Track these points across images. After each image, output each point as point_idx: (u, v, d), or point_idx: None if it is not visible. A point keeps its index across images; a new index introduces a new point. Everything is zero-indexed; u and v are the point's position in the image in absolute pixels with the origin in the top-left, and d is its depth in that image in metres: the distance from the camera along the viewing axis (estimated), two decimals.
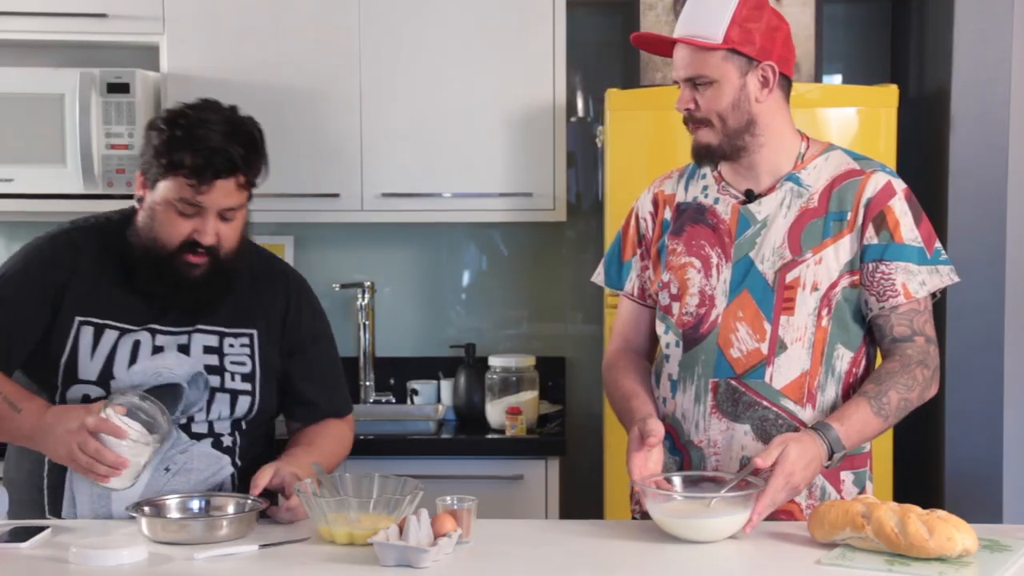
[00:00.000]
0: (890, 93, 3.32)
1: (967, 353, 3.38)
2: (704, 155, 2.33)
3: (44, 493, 2.32)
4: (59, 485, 2.30)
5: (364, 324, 3.85)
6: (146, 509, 2.18)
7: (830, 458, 2.16)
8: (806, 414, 2.27)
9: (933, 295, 2.31)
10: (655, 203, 2.44)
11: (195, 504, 2.24)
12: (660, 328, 2.40)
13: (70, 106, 3.47)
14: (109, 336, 2.31)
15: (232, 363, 2.37)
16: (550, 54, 3.59)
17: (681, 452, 2.35)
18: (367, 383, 3.84)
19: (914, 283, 2.26)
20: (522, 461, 3.41)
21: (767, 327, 2.27)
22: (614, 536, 2.16)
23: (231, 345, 2.38)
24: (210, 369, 2.35)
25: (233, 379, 2.36)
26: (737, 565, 2.00)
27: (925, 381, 2.25)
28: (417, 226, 3.88)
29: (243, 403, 2.37)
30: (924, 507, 2.03)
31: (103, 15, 3.55)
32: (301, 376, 2.47)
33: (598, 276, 2.54)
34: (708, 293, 2.32)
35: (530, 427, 3.56)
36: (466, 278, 4.03)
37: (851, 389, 2.30)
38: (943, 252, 2.31)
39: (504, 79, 3.59)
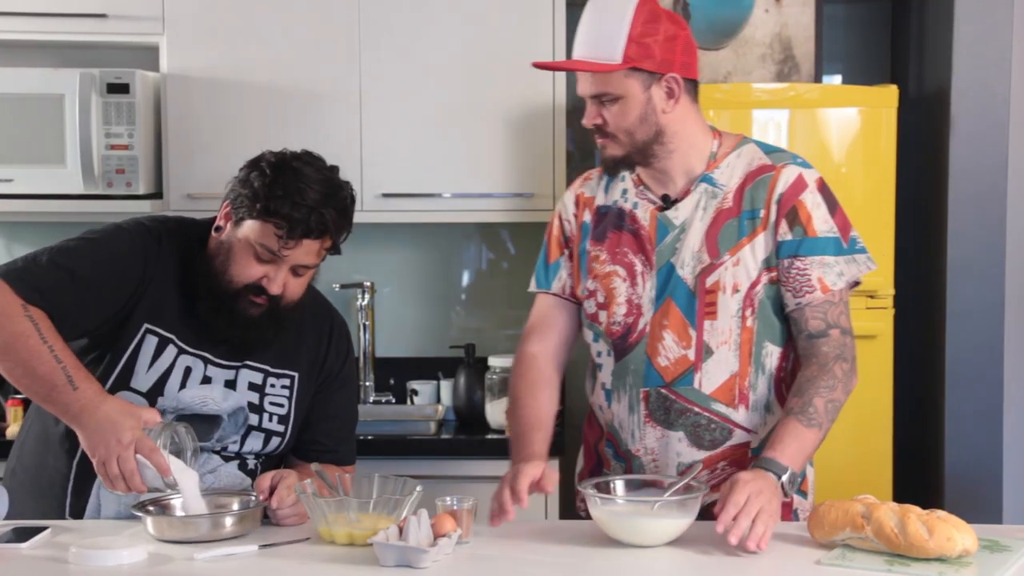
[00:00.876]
0: (890, 93, 3.32)
1: (967, 353, 3.38)
2: (613, 167, 2.34)
3: (68, 492, 2.31)
4: (85, 488, 2.30)
5: (364, 324, 3.85)
6: (150, 508, 2.18)
7: (781, 481, 2.11)
8: (739, 415, 2.29)
9: (855, 284, 2.31)
10: (577, 204, 2.44)
11: None
12: (589, 335, 2.40)
13: (70, 106, 3.46)
14: (169, 353, 2.31)
15: (271, 404, 2.38)
16: (550, 54, 3.59)
17: (624, 460, 2.37)
18: (367, 383, 3.84)
19: (831, 275, 2.25)
20: None
21: (692, 333, 2.28)
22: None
23: (272, 385, 2.39)
24: (251, 407, 2.36)
25: (271, 420, 2.38)
26: (737, 565, 2.00)
27: (845, 375, 2.24)
28: (417, 226, 3.88)
29: (274, 442, 2.40)
30: (924, 507, 2.03)
31: (103, 15, 3.55)
32: (320, 416, 2.47)
33: (532, 286, 2.51)
34: (635, 302, 2.32)
35: None
36: (466, 278, 4.03)
37: (782, 383, 2.32)
38: (859, 241, 2.30)
39: (504, 79, 3.59)
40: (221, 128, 3.60)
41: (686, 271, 2.28)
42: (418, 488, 2.16)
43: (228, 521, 2.14)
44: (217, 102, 3.58)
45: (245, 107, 3.59)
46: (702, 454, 2.30)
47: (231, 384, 2.35)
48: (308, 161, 2.30)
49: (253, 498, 2.22)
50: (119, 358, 2.29)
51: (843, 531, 2.04)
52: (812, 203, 2.27)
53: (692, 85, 2.31)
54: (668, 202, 2.33)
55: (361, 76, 3.59)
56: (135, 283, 2.29)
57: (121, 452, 2.08)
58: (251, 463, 2.39)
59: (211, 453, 2.33)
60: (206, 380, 2.33)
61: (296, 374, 2.42)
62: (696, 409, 2.29)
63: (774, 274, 2.27)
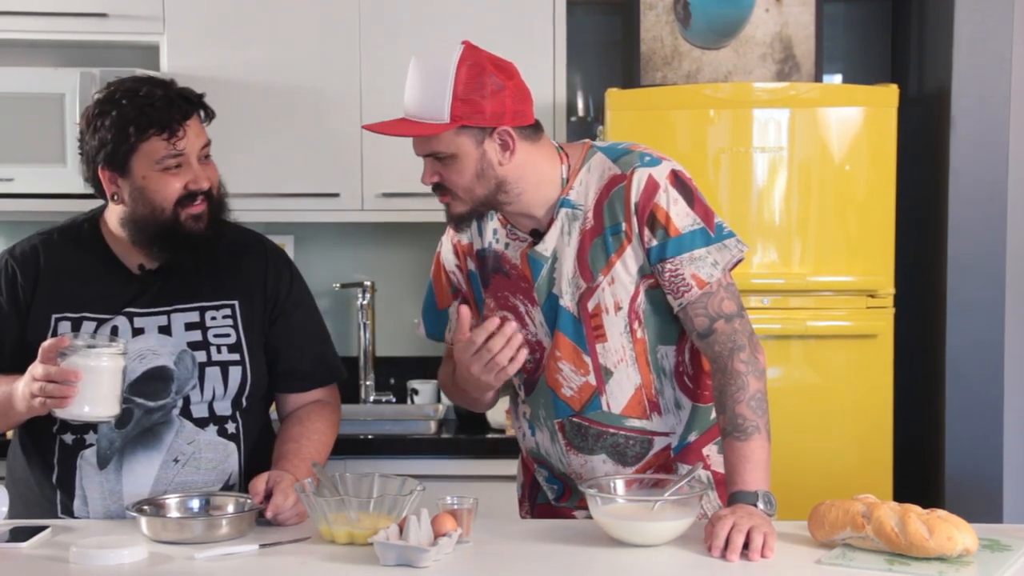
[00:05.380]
0: (890, 93, 3.32)
1: (967, 353, 3.38)
2: (459, 222, 2.27)
3: (57, 491, 2.32)
4: (70, 481, 2.31)
5: (364, 324, 3.85)
6: (146, 508, 2.18)
7: (757, 507, 2.09)
8: (654, 423, 2.28)
9: (737, 263, 2.24)
10: (457, 255, 2.40)
11: (195, 503, 2.24)
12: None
13: (70, 106, 3.47)
14: (87, 327, 2.32)
15: (216, 336, 2.37)
16: (550, 54, 3.59)
17: (560, 481, 2.38)
18: (367, 383, 3.84)
19: (705, 267, 2.20)
20: None
21: (587, 359, 2.26)
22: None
23: (213, 318, 2.38)
24: (194, 345, 2.35)
25: (220, 351, 2.36)
26: (737, 565, 2.00)
27: (748, 363, 2.18)
28: (417, 226, 3.88)
29: (235, 375, 2.37)
30: (924, 506, 2.03)
31: (103, 15, 3.55)
32: (287, 343, 2.45)
33: (419, 329, 2.50)
34: (533, 340, 2.29)
35: None
36: None
37: (684, 376, 2.29)
38: (726, 226, 2.24)
39: None
40: (221, 128, 3.58)
41: (567, 299, 2.25)
42: (418, 487, 2.16)
43: (222, 523, 2.13)
44: (217, 102, 3.53)
45: (245, 107, 3.59)
46: (628, 469, 2.30)
47: (165, 329, 2.34)
48: (120, 82, 2.34)
49: (248, 500, 2.21)
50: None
51: (843, 530, 2.04)
52: (667, 201, 2.20)
53: (530, 129, 2.22)
54: (537, 236, 2.28)
55: (361, 76, 3.60)
56: (21, 294, 2.34)
57: (32, 374, 2.13)
58: (230, 427, 2.36)
59: (181, 419, 2.32)
60: (138, 332, 2.33)
61: (235, 302, 2.41)
62: (612, 430, 2.28)
63: (652, 280, 2.23)
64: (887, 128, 3.29)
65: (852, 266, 3.30)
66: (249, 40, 3.59)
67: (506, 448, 3.48)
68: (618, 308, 2.23)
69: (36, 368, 2.13)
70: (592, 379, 2.26)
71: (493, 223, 2.33)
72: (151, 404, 2.31)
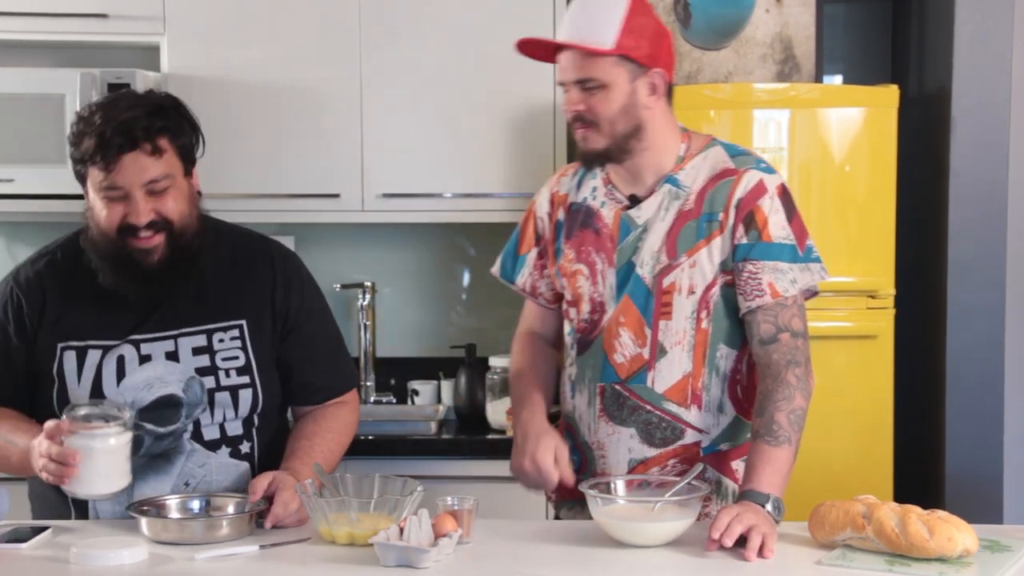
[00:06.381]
0: (890, 93, 3.32)
1: (967, 353, 3.38)
2: (592, 159, 2.32)
3: (72, 512, 2.32)
4: (83, 504, 2.30)
5: (364, 324, 3.85)
6: (146, 509, 2.18)
7: (766, 510, 2.10)
8: (691, 415, 2.30)
9: (812, 294, 2.31)
10: (551, 203, 2.45)
11: (195, 504, 2.24)
12: (565, 328, 2.44)
13: (70, 106, 3.46)
14: (93, 356, 2.29)
15: (224, 359, 2.33)
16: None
17: (579, 453, 2.39)
18: (367, 383, 3.84)
19: (783, 281, 2.24)
20: None
21: (648, 332, 2.29)
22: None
23: (220, 340, 2.33)
24: (202, 371, 2.31)
25: (228, 375, 2.32)
26: (737, 565, 2.00)
27: (800, 380, 2.22)
28: (417, 226, 3.88)
29: (245, 397, 2.33)
30: (924, 507, 2.03)
31: (103, 15, 3.55)
32: (299, 357, 2.41)
33: (495, 268, 2.57)
34: (598, 300, 2.34)
35: None
36: (466, 278, 4.03)
37: (737, 385, 2.32)
38: (815, 250, 2.30)
39: (504, 79, 3.58)
40: (221, 128, 3.59)
41: (645, 270, 2.29)
42: (419, 488, 2.16)
43: (223, 524, 2.13)
44: (217, 102, 3.58)
45: (245, 107, 3.59)
46: (652, 451, 2.31)
47: (172, 356, 2.30)
48: (109, 97, 2.28)
49: (247, 502, 2.20)
50: (52, 385, 2.30)
51: (844, 531, 2.04)
52: (770, 208, 2.26)
53: (669, 91, 2.32)
54: (635, 201, 2.33)
55: (361, 76, 3.59)
56: (28, 324, 2.31)
57: (39, 449, 2.13)
58: (244, 447, 2.34)
59: (192, 442, 2.30)
60: (145, 360, 2.29)
61: (243, 321, 2.35)
62: (648, 407, 2.30)
63: (730, 277, 2.27)
64: (887, 129, 3.29)
65: (852, 267, 3.30)
66: (249, 40, 3.58)
67: (506, 449, 3.46)
68: (691, 292, 2.27)
69: (42, 444, 2.13)
70: (646, 352, 2.29)
71: (595, 181, 2.39)
72: (161, 430, 2.29)
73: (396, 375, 3.91)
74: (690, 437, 2.31)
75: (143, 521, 2.13)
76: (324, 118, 3.59)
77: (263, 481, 2.21)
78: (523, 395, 2.42)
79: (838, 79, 3.95)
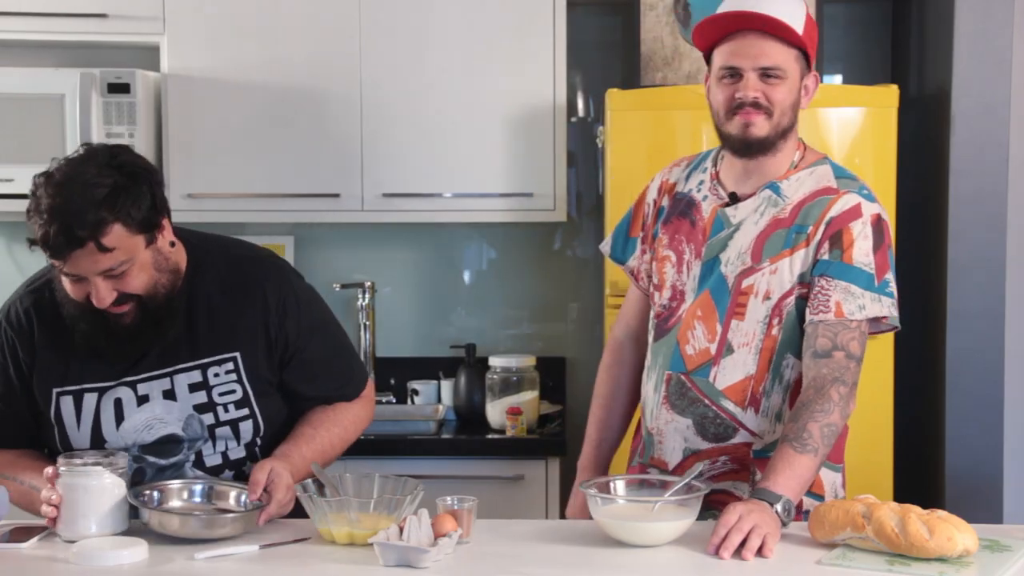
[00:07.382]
0: (890, 93, 3.32)
1: (967, 353, 3.37)
2: (754, 145, 2.29)
3: None
4: None
5: (364, 324, 3.85)
6: (147, 493, 2.17)
7: (775, 510, 2.09)
8: (747, 417, 2.30)
9: (879, 331, 2.32)
10: (659, 191, 2.48)
11: (197, 490, 2.23)
12: (651, 312, 2.46)
13: (70, 106, 3.47)
14: (90, 399, 2.26)
15: (221, 395, 2.29)
16: (550, 54, 3.59)
17: (648, 435, 2.41)
18: None
19: (851, 304, 2.24)
20: (522, 461, 3.41)
21: (719, 328, 2.31)
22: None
23: (216, 375, 2.29)
24: (200, 408, 2.28)
25: (227, 410, 2.30)
26: (738, 565, 2.00)
27: (843, 399, 2.20)
28: (417, 226, 3.88)
29: (246, 428, 2.32)
30: (924, 507, 2.03)
31: (103, 15, 3.55)
32: (302, 380, 2.38)
33: (605, 245, 2.57)
34: (679, 288, 2.37)
35: (530, 427, 3.56)
36: (466, 278, 4.03)
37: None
38: (891, 285, 2.30)
39: (504, 79, 3.59)
40: (222, 128, 3.60)
41: (728, 269, 2.31)
42: (419, 488, 2.16)
43: (224, 522, 2.13)
44: (217, 102, 3.58)
45: (245, 107, 3.59)
46: (706, 445, 2.33)
47: (170, 394, 2.27)
48: (59, 169, 2.13)
49: (247, 500, 2.20)
50: (53, 430, 2.29)
51: (844, 531, 2.04)
52: (859, 233, 2.27)
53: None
54: (734, 200, 2.35)
55: (361, 76, 3.60)
56: (24, 368, 2.29)
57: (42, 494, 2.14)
58: (248, 470, 2.30)
59: (194, 470, 2.29)
60: (143, 400, 2.26)
61: (236, 353, 2.29)
62: (706, 402, 2.32)
63: (806, 290, 2.28)
64: (887, 129, 3.29)
65: None
66: (249, 40, 3.59)
67: (506, 448, 3.48)
68: (767, 297, 2.28)
69: (43, 490, 2.14)
70: (713, 348, 2.31)
71: (704, 175, 2.41)
72: (163, 463, 2.29)
73: (396, 375, 3.91)
74: (741, 437, 2.31)
75: (145, 512, 2.12)
76: (323, 118, 3.59)
77: (261, 475, 2.20)
78: (588, 432, 2.58)
79: (838, 79, 3.94)
